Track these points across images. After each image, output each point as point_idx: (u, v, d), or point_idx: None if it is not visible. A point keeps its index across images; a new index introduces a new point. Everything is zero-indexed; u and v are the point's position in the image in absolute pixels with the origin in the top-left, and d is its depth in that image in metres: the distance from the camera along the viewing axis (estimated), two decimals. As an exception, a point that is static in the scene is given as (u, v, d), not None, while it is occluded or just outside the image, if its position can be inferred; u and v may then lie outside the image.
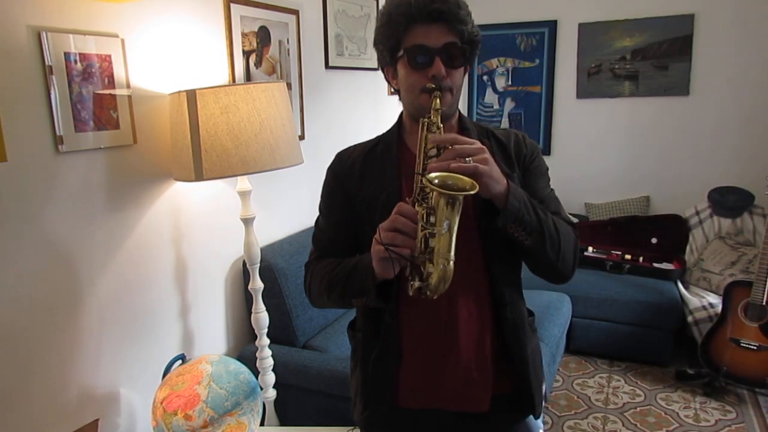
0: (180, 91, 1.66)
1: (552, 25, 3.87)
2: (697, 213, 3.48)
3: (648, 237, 3.55)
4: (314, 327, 2.32)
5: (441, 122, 1.07)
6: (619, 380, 3.00)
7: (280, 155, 1.74)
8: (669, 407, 2.74)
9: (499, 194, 1.03)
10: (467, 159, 0.99)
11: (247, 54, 2.20)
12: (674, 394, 2.86)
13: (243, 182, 1.88)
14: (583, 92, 3.86)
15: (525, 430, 1.27)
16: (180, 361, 1.72)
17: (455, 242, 0.97)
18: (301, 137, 2.54)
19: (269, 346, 2.02)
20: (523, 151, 1.21)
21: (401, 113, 1.25)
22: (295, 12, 2.46)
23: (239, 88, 1.67)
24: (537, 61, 3.97)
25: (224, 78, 2.10)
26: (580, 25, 3.78)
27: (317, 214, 1.30)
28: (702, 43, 3.49)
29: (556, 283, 1.20)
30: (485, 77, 4.16)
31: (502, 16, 3.99)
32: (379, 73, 1.23)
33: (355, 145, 1.29)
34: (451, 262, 0.97)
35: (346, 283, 1.14)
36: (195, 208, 2.00)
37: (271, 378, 2.04)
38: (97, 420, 1.65)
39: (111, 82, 1.63)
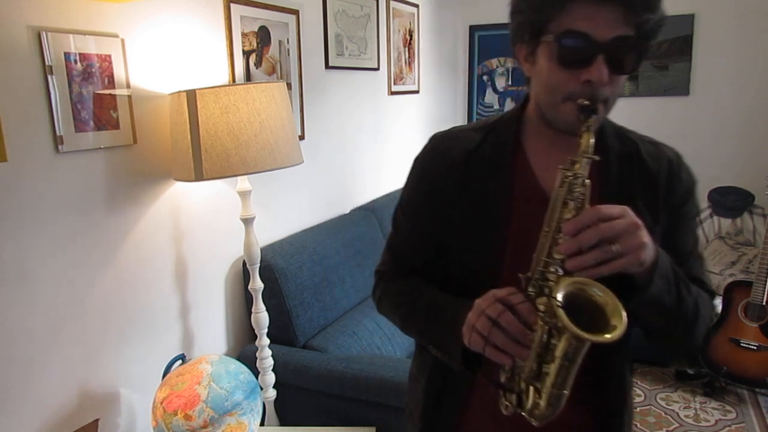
0: (180, 91, 1.66)
1: (552, 25, 3.87)
2: (697, 213, 3.48)
3: (648, 237, 3.55)
4: (314, 327, 2.31)
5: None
6: (619, 380, 3.00)
7: (279, 155, 1.74)
8: (669, 407, 2.74)
9: (644, 271, 0.77)
10: (613, 246, 0.70)
11: (247, 54, 2.20)
12: (674, 394, 2.86)
13: (243, 182, 1.88)
14: (583, 92, 3.86)
15: None
16: (180, 361, 1.73)
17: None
18: (301, 137, 2.54)
19: (269, 346, 2.02)
20: (677, 189, 0.92)
21: (525, 98, 0.96)
22: (295, 12, 2.46)
23: (239, 88, 1.67)
24: (537, 61, 3.97)
25: (224, 78, 2.10)
26: (580, 25, 3.77)
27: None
28: (702, 43, 3.49)
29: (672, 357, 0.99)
30: (485, 77, 4.15)
31: (502, 16, 3.97)
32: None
33: (457, 135, 0.99)
34: (566, 393, 0.74)
35: (426, 330, 0.96)
36: (195, 208, 2.00)
37: (271, 378, 2.04)
38: (97, 420, 1.65)
39: (111, 82, 1.63)
